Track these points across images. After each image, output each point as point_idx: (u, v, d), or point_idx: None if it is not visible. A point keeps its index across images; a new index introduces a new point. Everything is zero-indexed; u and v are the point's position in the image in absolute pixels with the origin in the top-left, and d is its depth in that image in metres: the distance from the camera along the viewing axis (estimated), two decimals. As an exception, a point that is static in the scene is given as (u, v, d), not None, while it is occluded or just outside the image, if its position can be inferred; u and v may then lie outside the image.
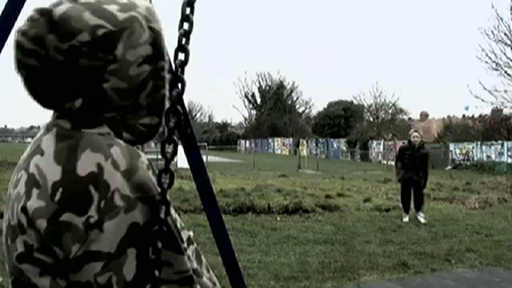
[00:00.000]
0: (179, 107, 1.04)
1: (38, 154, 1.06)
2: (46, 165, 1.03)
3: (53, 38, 1.01)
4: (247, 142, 63.40)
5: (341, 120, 51.99)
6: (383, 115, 51.26)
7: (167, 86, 1.14)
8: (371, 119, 52.04)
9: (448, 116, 52.92)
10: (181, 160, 11.37)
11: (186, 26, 1.07)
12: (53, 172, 1.01)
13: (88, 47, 1.01)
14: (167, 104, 1.16)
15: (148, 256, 0.99)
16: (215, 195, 4.69)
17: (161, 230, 1.00)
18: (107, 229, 0.97)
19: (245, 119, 71.76)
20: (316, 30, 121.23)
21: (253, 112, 69.81)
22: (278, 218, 9.95)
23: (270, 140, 60.52)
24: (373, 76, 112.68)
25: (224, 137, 68.83)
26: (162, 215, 1.00)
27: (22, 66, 1.05)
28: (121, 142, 1.06)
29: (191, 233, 1.31)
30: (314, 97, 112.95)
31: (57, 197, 0.99)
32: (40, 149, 1.07)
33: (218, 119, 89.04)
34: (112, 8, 1.06)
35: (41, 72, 1.04)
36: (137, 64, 1.06)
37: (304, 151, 44.42)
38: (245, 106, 70.56)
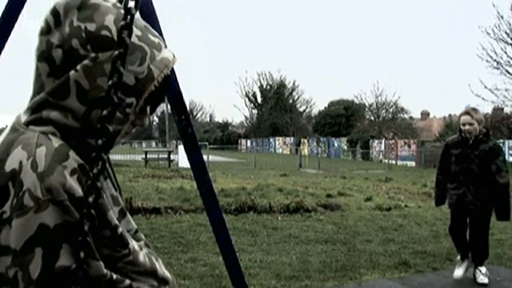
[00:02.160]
0: (109, 127, 1.06)
1: None
2: None
3: (75, 13, 1.12)
4: (248, 141, 63.37)
5: (342, 119, 51.94)
6: (384, 114, 51.22)
7: (125, 126, 1.19)
8: (372, 118, 52.02)
9: (449, 115, 52.78)
10: (182, 160, 11.46)
11: (127, 19, 1.09)
12: None
13: (87, 36, 1.10)
14: (121, 136, 1.21)
15: (57, 257, 1.02)
16: (216, 194, 4.70)
17: (71, 233, 1.03)
18: (15, 226, 1.00)
19: (246, 118, 71.71)
20: (317, 29, 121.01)
21: (254, 111, 69.74)
22: (279, 218, 9.94)
23: (271, 139, 60.46)
24: (374, 75, 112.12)
25: (225, 137, 68.78)
26: (69, 219, 1.03)
27: (44, 21, 1.15)
28: (56, 143, 1.09)
29: (141, 241, 1.35)
30: (315, 96, 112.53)
31: None
32: None
33: (219, 118, 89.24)
34: (134, 31, 1.14)
35: (49, 31, 1.13)
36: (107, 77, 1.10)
37: (305, 150, 44.37)
38: (246, 106, 70.52)
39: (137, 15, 1.17)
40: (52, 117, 1.12)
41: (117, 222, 1.17)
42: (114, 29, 1.11)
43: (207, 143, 33.06)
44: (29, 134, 1.10)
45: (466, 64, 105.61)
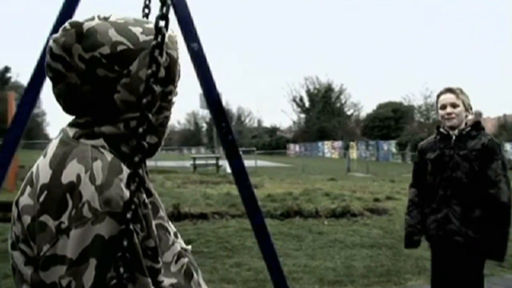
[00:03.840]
0: (149, 115, 1.09)
1: (43, 156, 1.19)
2: (42, 167, 1.14)
3: (78, 47, 1.14)
4: (297, 146, 63.33)
5: (391, 122, 51.28)
6: (434, 116, 50.16)
7: (171, 110, 1.25)
8: (422, 120, 51.09)
9: (504, 115, 51.23)
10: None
11: (158, 38, 1.12)
12: (45, 175, 1.11)
13: (106, 59, 1.14)
14: (168, 127, 1.28)
15: (109, 268, 1.05)
16: (257, 199, 4.78)
17: (123, 247, 1.05)
18: (73, 236, 1.04)
19: (294, 123, 71.68)
20: (364, 31, 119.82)
21: (302, 115, 69.66)
22: (325, 222, 9.92)
23: (319, 144, 60.24)
24: (422, 76, 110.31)
25: (274, 141, 69.02)
26: (124, 231, 1.05)
27: (49, 69, 1.19)
28: (109, 156, 1.14)
29: (186, 247, 1.40)
30: (363, 99, 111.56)
31: (42, 198, 1.08)
32: (46, 151, 1.19)
33: (267, 123, 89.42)
34: (136, 30, 1.19)
35: (63, 76, 1.17)
36: None
37: (353, 154, 43.97)
38: (294, 110, 70.54)
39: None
40: (105, 130, 1.18)
41: (156, 232, 1.20)
42: (125, 40, 1.16)
43: (254, 148, 33.16)
44: (81, 148, 1.14)
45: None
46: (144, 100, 1.09)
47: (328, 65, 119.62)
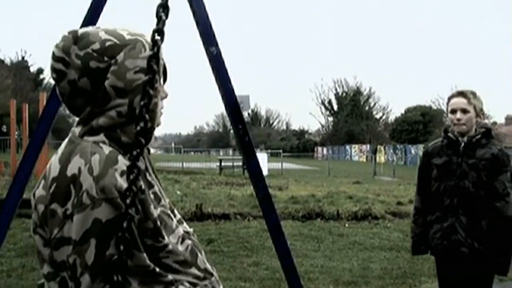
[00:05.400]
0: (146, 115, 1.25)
1: (55, 154, 1.39)
2: (54, 163, 1.34)
3: (75, 47, 1.35)
4: (324, 149, 63.15)
5: (420, 126, 50.79)
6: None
7: (159, 97, 1.44)
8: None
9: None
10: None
11: (155, 49, 1.27)
12: (55, 170, 1.32)
13: (97, 53, 1.35)
14: (159, 112, 1.46)
15: (107, 247, 1.24)
16: (272, 200, 4.90)
17: (120, 227, 1.23)
18: (75, 221, 1.23)
19: (322, 126, 71.50)
20: (393, 34, 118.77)
21: (330, 118, 69.46)
22: (346, 225, 9.98)
23: (347, 147, 60.00)
24: (451, 80, 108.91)
25: (301, 144, 68.92)
26: (119, 214, 1.24)
27: (53, 70, 1.38)
28: (107, 150, 1.32)
29: (189, 230, 1.59)
30: (391, 102, 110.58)
31: (52, 189, 1.29)
32: (58, 150, 1.40)
33: (295, 126, 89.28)
34: (123, 32, 1.42)
35: (64, 74, 1.36)
36: (134, 71, 1.36)
37: (381, 157, 43.67)
38: (322, 113, 70.35)
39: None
40: (101, 123, 1.36)
41: (155, 215, 1.39)
42: (112, 37, 1.37)
43: (281, 151, 33.22)
44: (84, 144, 1.33)
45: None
46: (142, 102, 1.25)
47: (357, 68, 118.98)
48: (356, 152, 57.23)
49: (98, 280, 1.24)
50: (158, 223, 1.38)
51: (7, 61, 45.53)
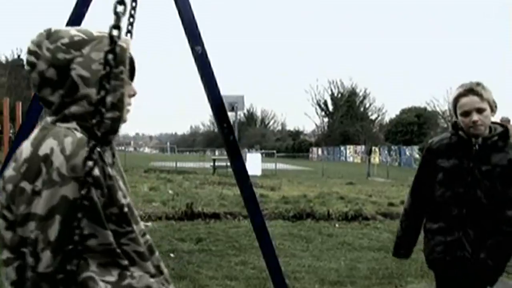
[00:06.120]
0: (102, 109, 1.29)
1: (26, 139, 1.45)
2: (25, 147, 1.40)
3: (46, 42, 1.46)
4: (319, 149, 63.22)
5: (414, 127, 50.88)
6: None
7: (126, 87, 1.50)
8: (446, 125, 50.57)
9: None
10: (250, 167, 11.66)
11: (112, 44, 1.31)
12: (26, 152, 1.38)
13: (65, 46, 1.45)
14: (127, 102, 1.53)
15: (72, 225, 1.27)
16: (257, 200, 4.91)
17: (83, 205, 1.28)
18: (43, 196, 1.29)
19: (317, 126, 71.59)
20: (388, 35, 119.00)
21: (325, 119, 69.53)
22: (336, 225, 9.99)
23: (342, 148, 60.06)
24: (446, 82, 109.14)
25: (297, 145, 69.01)
26: (84, 193, 1.28)
27: (27, 62, 1.48)
28: (78, 135, 1.39)
29: (147, 225, 1.66)
30: (386, 103, 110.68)
31: (22, 169, 1.35)
32: (30, 136, 1.46)
33: (290, 126, 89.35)
34: (92, 30, 1.51)
35: (34, 65, 1.46)
36: (99, 63, 1.43)
37: (376, 158, 43.75)
38: (317, 114, 70.42)
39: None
40: (73, 111, 1.44)
41: (124, 202, 1.45)
42: (81, 33, 1.47)
43: (275, 151, 33.26)
44: (57, 129, 1.41)
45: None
46: (99, 96, 1.29)
47: (352, 69, 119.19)
48: (351, 153, 57.28)
49: (59, 258, 1.28)
50: (125, 209, 1.45)
51: (3, 59, 45.38)
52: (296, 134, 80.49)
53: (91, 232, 1.35)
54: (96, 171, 1.34)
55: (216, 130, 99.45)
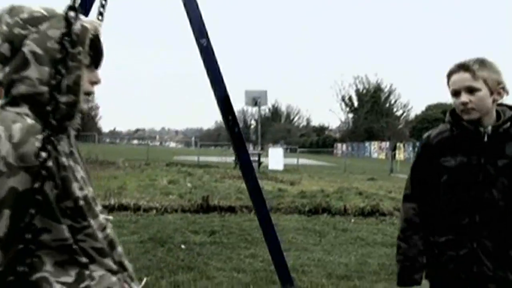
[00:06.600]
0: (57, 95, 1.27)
1: None
2: None
3: (7, 16, 1.36)
4: (344, 145, 62.90)
5: (440, 124, 50.22)
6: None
7: (83, 70, 1.39)
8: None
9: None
10: (272, 162, 11.82)
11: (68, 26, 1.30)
12: None
13: (23, 21, 1.34)
14: (84, 86, 1.40)
15: (23, 220, 1.18)
16: (262, 192, 4.93)
17: (36, 198, 1.19)
18: None
19: (342, 122, 71.21)
20: (415, 30, 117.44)
21: (350, 115, 69.10)
22: (352, 220, 9.94)
23: (366, 144, 59.67)
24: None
25: (321, 140, 68.81)
26: (37, 185, 1.20)
27: None
28: (30, 121, 1.29)
29: (109, 218, 1.51)
30: (412, 99, 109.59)
31: None
32: None
33: (315, 122, 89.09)
34: (58, 9, 1.40)
35: None
36: (55, 41, 1.32)
37: (400, 155, 43.36)
38: (342, 110, 70.03)
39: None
40: (22, 91, 1.32)
41: (79, 195, 1.34)
42: (42, 10, 1.36)
43: (297, 146, 33.23)
44: (5, 114, 1.30)
45: None
46: (54, 81, 1.27)
47: (378, 64, 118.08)
48: (376, 149, 56.90)
49: (10, 255, 1.19)
50: (81, 203, 1.34)
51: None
52: (321, 129, 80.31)
53: (43, 227, 1.24)
54: (49, 162, 1.23)
55: (241, 125, 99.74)
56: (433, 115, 51.37)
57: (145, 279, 1.64)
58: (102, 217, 1.46)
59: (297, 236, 8.12)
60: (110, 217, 1.56)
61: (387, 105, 64.43)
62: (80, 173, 1.41)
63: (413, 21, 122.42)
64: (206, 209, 10.06)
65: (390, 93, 65.00)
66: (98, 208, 1.47)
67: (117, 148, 52.21)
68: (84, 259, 1.33)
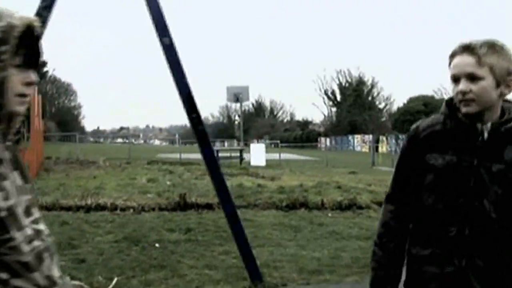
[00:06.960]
0: None
1: None
2: None
3: None
4: (328, 139, 63.17)
5: (422, 116, 50.41)
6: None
7: (10, 70, 1.31)
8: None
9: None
10: (254, 158, 11.89)
11: None
12: None
13: None
14: (14, 87, 1.32)
15: None
16: (227, 188, 4.96)
17: None
18: None
19: (325, 116, 71.49)
20: (395, 24, 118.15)
21: (333, 109, 69.40)
22: (329, 214, 9.99)
23: (350, 137, 59.96)
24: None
25: (305, 135, 68.97)
26: None
27: None
28: None
29: (41, 228, 1.41)
30: (394, 92, 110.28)
31: None
32: None
33: (299, 117, 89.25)
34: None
35: None
36: None
37: (383, 148, 43.65)
38: (325, 104, 70.27)
39: None
40: None
41: (3, 205, 1.26)
42: None
43: (279, 141, 33.31)
44: None
45: None
46: None
47: (359, 58, 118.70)
48: (359, 142, 57.19)
49: None
50: (2, 214, 1.25)
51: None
52: (305, 124, 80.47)
53: None
54: None
55: (225, 121, 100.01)
56: (415, 107, 51.82)
57: (115, 279, 1.62)
58: (31, 228, 1.36)
59: (272, 232, 8.15)
60: (42, 227, 1.47)
61: (370, 98, 64.83)
62: (12, 180, 1.33)
63: (394, 14, 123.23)
64: (183, 206, 10.05)
65: (372, 86, 65.41)
66: (33, 217, 1.38)
67: (100, 147, 51.94)
68: (4, 275, 1.25)
